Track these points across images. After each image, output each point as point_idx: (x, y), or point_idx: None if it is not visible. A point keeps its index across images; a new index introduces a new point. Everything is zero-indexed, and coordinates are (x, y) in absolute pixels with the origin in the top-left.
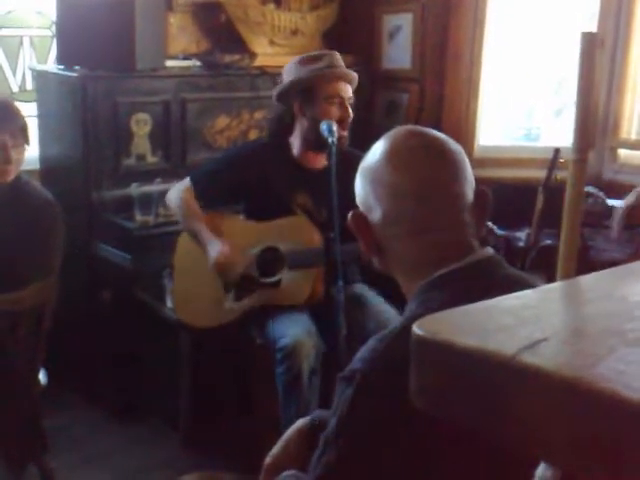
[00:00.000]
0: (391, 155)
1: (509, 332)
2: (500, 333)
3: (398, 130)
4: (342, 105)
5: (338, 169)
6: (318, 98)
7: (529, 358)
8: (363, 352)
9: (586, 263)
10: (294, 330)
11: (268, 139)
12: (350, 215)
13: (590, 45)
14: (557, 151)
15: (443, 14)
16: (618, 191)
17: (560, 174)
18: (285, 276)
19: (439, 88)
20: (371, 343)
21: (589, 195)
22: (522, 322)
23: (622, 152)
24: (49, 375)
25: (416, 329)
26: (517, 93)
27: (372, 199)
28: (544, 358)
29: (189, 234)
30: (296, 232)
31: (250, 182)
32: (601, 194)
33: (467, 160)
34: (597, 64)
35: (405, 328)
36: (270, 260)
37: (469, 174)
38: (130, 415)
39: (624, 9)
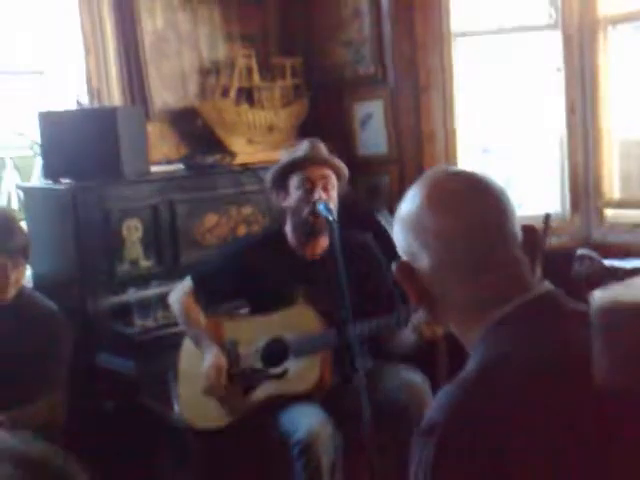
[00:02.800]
0: (432, 200)
1: None
2: None
3: (435, 173)
4: (312, 188)
5: (335, 252)
6: (291, 185)
7: None
8: (438, 403)
9: None
10: (307, 422)
11: (263, 233)
12: (395, 266)
13: None
14: (548, 216)
15: (412, 96)
16: (610, 251)
17: (552, 239)
18: (291, 365)
19: (418, 168)
20: (446, 392)
21: (584, 258)
22: None
23: (608, 212)
24: None
25: (600, 301)
26: (495, 163)
27: (417, 247)
28: None
29: (191, 339)
30: (300, 321)
31: (250, 276)
32: (596, 255)
33: (510, 197)
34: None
35: (481, 376)
36: (276, 351)
37: (514, 211)
38: None
39: (587, 72)
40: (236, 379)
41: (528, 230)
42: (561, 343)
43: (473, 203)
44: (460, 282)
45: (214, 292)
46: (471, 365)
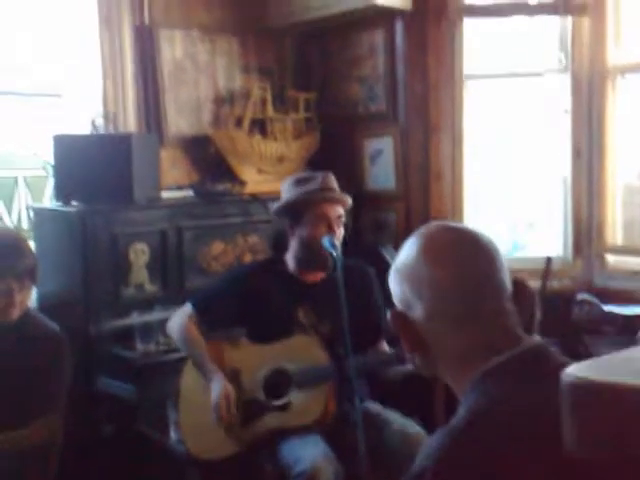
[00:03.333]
0: (427, 251)
1: None
2: None
3: (430, 227)
4: (330, 227)
5: (337, 283)
6: (306, 220)
7: None
8: (429, 449)
9: None
10: (310, 454)
11: (265, 258)
12: (390, 314)
13: None
14: (549, 259)
15: (422, 135)
16: (611, 297)
17: (553, 283)
18: (294, 397)
19: (424, 205)
20: (436, 439)
21: (584, 302)
22: None
23: (610, 258)
24: None
25: (572, 377)
26: (498, 206)
27: (411, 296)
28: None
29: (192, 362)
30: (302, 351)
31: (250, 302)
32: (595, 300)
33: (500, 250)
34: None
35: (469, 425)
36: (278, 382)
37: (504, 263)
38: None
39: (595, 119)
40: (239, 410)
41: (518, 283)
42: (544, 399)
43: (465, 256)
44: (452, 332)
45: (215, 317)
46: (461, 413)
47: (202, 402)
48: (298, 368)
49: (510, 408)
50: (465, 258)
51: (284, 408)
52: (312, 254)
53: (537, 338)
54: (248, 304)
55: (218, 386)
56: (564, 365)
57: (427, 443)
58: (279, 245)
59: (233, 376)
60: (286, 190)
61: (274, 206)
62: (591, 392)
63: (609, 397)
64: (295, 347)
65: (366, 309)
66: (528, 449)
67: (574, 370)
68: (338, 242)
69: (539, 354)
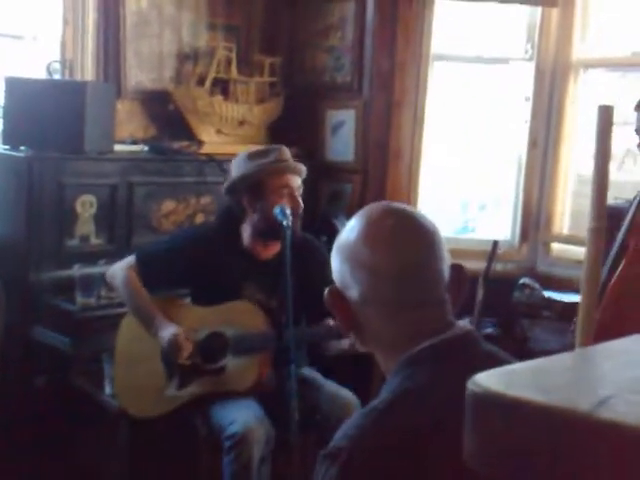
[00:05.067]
0: (367, 234)
1: (572, 390)
2: (563, 391)
3: (373, 207)
4: (291, 196)
5: (291, 255)
6: (267, 192)
7: (605, 414)
8: (347, 428)
9: (525, 353)
10: (243, 416)
11: (218, 227)
12: (327, 291)
13: (606, 119)
14: (496, 243)
15: (385, 112)
16: (552, 283)
17: (498, 265)
18: (230, 362)
19: (381, 181)
20: (356, 419)
21: (525, 287)
22: (579, 381)
23: (555, 246)
24: None
25: (476, 386)
26: (453, 186)
27: (349, 278)
28: (619, 414)
29: (134, 313)
30: (241, 316)
31: (198, 268)
32: (537, 286)
33: (442, 238)
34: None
35: (389, 408)
36: (215, 346)
37: (445, 250)
38: None
39: (554, 110)
40: (176, 370)
41: (456, 268)
42: (465, 387)
43: (405, 242)
44: (383, 318)
45: (157, 275)
46: (383, 395)
47: (137, 358)
48: (236, 333)
49: (431, 394)
50: (404, 246)
51: (219, 372)
52: (271, 226)
53: (466, 326)
54: (195, 268)
55: (171, 328)
56: (491, 355)
57: (347, 422)
58: (231, 220)
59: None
60: (240, 165)
61: (226, 184)
62: (494, 405)
63: (512, 412)
64: (235, 312)
65: (315, 284)
66: (446, 437)
67: (480, 379)
68: (296, 213)
69: (466, 342)
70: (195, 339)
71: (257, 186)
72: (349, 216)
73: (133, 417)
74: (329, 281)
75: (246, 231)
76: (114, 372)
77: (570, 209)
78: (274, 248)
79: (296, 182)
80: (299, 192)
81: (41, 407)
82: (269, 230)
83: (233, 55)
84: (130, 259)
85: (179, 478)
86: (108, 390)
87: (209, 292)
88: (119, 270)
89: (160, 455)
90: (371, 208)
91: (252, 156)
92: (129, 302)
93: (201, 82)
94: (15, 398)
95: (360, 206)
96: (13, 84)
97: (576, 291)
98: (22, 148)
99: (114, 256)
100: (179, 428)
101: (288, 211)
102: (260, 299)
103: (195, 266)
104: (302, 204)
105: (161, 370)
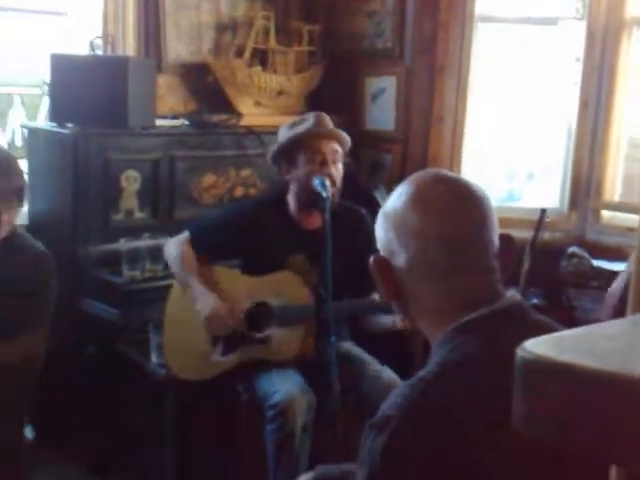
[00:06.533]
0: (417, 201)
1: (626, 355)
2: (617, 356)
3: (422, 174)
4: (324, 163)
5: (333, 225)
6: (300, 159)
7: None
8: (394, 398)
9: (572, 323)
10: (287, 386)
11: (267, 198)
12: (371, 259)
13: None
14: (543, 211)
15: (426, 78)
16: (602, 252)
17: (545, 234)
18: (275, 332)
19: (422, 150)
20: (402, 389)
21: (573, 256)
22: (633, 346)
23: (605, 213)
24: (37, 430)
25: (526, 353)
26: (499, 154)
27: (396, 244)
28: None
29: (182, 285)
30: (286, 288)
31: (247, 241)
32: (586, 255)
33: (492, 206)
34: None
35: (437, 378)
36: (260, 315)
37: (495, 220)
38: (112, 474)
39: (606, 70)
40: (221, 337)
41: (505, 239)
42: (513, 358)
43: (455, 209)
44: (431, 286)
45: (210, 247)
46: (430, 365)
47: (185, 324)
48: (281, 305)
49: (479, 364)
50: (454, 213)
51: (263, 341)
52: (309, 195)
53: (516, 296)
54: (244, 238)
55: (211, 302)
56: (541, 324)
57: (394, 392)
58: (279, 192)
59: None
60: (281, 135)
61: (269, 154)
62: (544, 371)
63: (563, 378)
64: (281, 283)
65: (360, 254)
66: (493, 407)
67: (530, 345)
68: (333, 181)
69: (515, 311)
70: (243, 308)
71: (291, 154)
72: (389, 187)
73: (182, 380)
74: (375, 251)
75: (291, 201)
76: (164, 338)
77: (622, 174)
78: (319, 217)
79: (330, 148)
80: (335, 159)
81: (92, 374)
82: (309, 199)
83: (271, 24)
84: (183, 234)
85: (222, 444)
86: (154, 359)
87: (257, 262)
88: (173, 246)
89: (203, 421)
90: (420, 175)
91: (291, 125)
92: (178, 274)
93: (240, 53)
94: (67, 366)
95: (401, 177)
96: (58, 61)
97: (626, 260)
98: (68, 125)
99: (157, 230)
100: (222, 395)
101: (328, 182)
102: (305, 270)
103: (244, 236)
104: (340, 171)
105: (206, 337)
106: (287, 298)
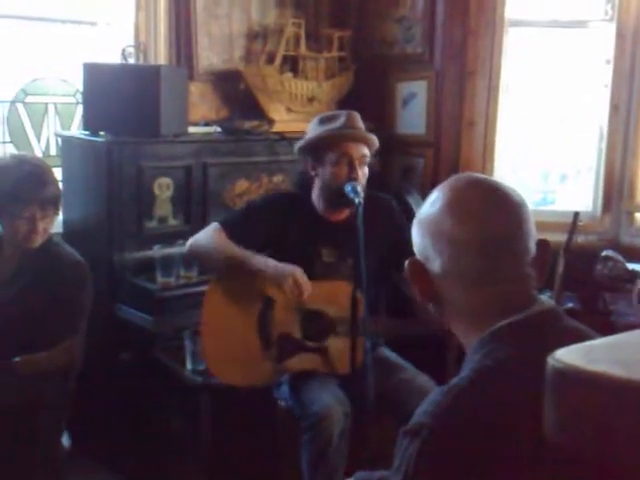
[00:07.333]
0: (452, 206)
1: None
2: None
3: (457, 179)
4: (351, 165)
5: (364, 218)
6: (328, 159)
7: None
8: (428, 405)
9: (608, 327)
10: (324, 396)
11: (293, 191)
12: (407, 263)
13: None
14: (577, 214)
15: (457, 81)
16: (636, 255)
17: (579, 238)
18: (331, 343)
19: (454, 154)
20: (436, 395)
21: (608, 259)
22: None
23: (638, 216)
24: (72, 438)
25: (556, 362)
26: (532, 157)
27: (431, 250)
28: None
29: (228, 266)
30: (340, 297)
31: (278, 231)
32: (620, 258)
33: (529, 211)
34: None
35: (471, 385)
36: (316, 324)
37: (532, 225)
38: None
39: (637, 72)
40: (275, 343)
41: (542, 245)
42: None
43: (491, 215)
44: (465, 291)
45: (244, 234)
46: (464, 372)
47: (229, 328)
48: (339, 315)
49: (514, 371)
50: (490, 219)
51: (318, 351)
52: (335, 195)
53: (550, 302)
54: (275, 229)
55: (288, 265)
56: (574, 331)
57: (428, 398)
58: (305, 183)
59: (267, 304)
60: (311, 129)
61: (297, 144)
62: (574, 379)
63: (592, 386)
64: (334, 292)
65: (393, 241)
66: (527, 414)
67: (560, 354)
68: (360, 186)
69: (549, 318)
70: (295, 315)
71: (317, 151)
72: (422, 192)
73: (221, 380)
74: (407, 238)
75: (316, 195)
76: (204, 345)
77: None
78: (344, 212)
79: (359, 151)
80: (363, 161)
81: (127, 380)
82: (333, 198)
83: (302, 31)
84: (213, 226)
85: (258, 450)
86: (189, 365)
87: (286, 255)
88: (203, 237)
89: (240, 427)
90: (456, 179)
91: (322, 120)
92: (218, 256)
93: (271, 60)
94: (103, 372)
95: (433, 181)
96: (90, 70)
97: None
98: (101, 133)
99: (191, 236)
100: (259, 401)
101: (359, 188)
102: (335, 262)
103: (275, 226)
104: (366, 174)
105: (257, 341)
106: (341, 308)
